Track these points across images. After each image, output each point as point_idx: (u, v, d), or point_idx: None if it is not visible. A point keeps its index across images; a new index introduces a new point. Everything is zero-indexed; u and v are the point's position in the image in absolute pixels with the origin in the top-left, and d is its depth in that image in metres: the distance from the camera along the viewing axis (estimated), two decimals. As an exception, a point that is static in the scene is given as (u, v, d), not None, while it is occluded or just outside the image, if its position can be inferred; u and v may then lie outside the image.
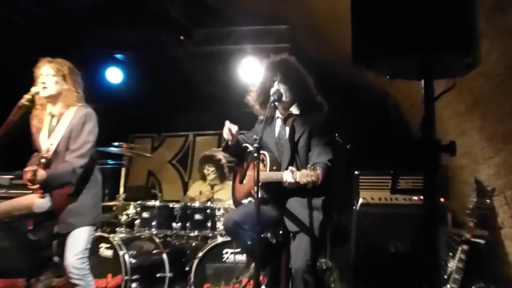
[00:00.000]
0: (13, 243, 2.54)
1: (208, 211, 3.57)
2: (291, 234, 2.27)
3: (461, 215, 2.98)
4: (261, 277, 2.47)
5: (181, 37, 4.47)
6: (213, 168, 4.21)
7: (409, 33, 1.27)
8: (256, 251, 2.09)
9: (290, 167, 2.12)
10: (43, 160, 2.22)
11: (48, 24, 3.96)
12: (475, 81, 2.58)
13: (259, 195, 1.99)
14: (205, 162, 4.27)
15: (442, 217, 3.14)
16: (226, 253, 3.15)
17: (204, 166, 4.26)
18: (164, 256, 3.41)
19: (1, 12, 3.62)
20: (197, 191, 4.27)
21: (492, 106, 2.62)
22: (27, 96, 2.32)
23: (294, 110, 2.42)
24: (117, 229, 3.57)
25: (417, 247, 2.97)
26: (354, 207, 3.27)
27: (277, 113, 2.47)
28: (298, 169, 2.22)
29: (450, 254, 2.65)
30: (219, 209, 3.57)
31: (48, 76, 2.36)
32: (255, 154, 2.04)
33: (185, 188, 5.62)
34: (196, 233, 3.55)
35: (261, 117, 2.58)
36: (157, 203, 3.64)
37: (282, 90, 2.35)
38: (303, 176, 2.01)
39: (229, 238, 3.06)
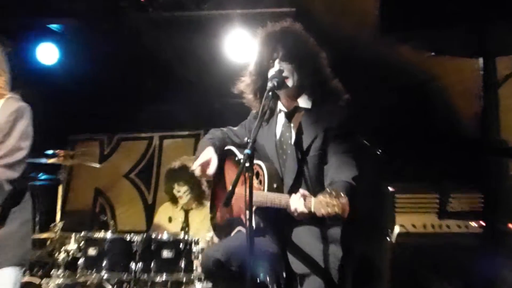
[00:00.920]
0: None
1: (180, 245, 3.57)
2: (298, 277, 2.28)
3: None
4: None
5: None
6: (185, 188, 4.21)
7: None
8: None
9: (301, 191, 2.13)
10: None
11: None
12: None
13: (253, 223, 2.03)
14: (174, 178, 4.27)
15: (509, 248, 3.16)
16: (208, 306, 3.18)
17: (173, 185, 4.26)
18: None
19: None
20: (166, 217, 4.27)
21: None
22: None
23: (303, 102, 2.44)
24: (52, 272, 3.55)
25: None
26: (387, 238, 3.28)
27: (279, 106, 2.50)
28: (308, 188, 2.21)
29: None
30: (196, 243, 3.57)
31: None
32: (247, 164, 2.03)
33: (149, 214, 5.61)
34: (164, 277, 3.53)
35: (254, 111, 2.60)
36: (108, 234, 3.63)
37: (285, 72, 2.37)
38: (321, 205, 2.02)
39: (210, 285, 3.07)
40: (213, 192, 2.74)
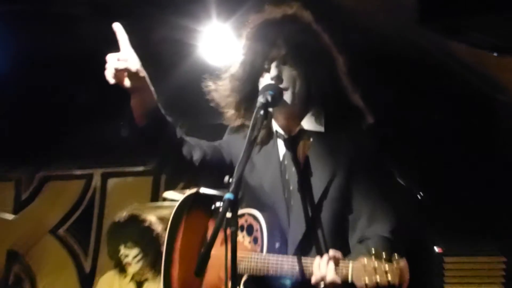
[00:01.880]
0: None
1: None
2: None
3: None
4: None
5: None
6: (136, 250, 4.25)
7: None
8: None
9: (331, 252, 2.13)
10: None
11: None
12: None
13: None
14: (121, 237, 4.32)
15: None
16: None
17: (119, 246, 4.30)
18: None
19: None
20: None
21: None
22: None
23: (311, 123, 2.46)
24: None
25: None
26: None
27: (275, 128, 2.52)
28: (325, 247, 2.20)
29: None
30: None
31: None
32: (229, 215, 1.96)
33: (86, 287, 5.59)
34: None
35: (236, 124, 2.58)
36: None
37: (285, 81, 2.37)
38: (366, 272, 2.01)
39: None
40: (168, 255, 2.69)
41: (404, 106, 3.75)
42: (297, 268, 2.19)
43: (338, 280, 2.08)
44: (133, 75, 2.16)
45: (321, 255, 2.17)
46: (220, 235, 1.98)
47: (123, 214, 4.42)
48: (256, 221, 2.38)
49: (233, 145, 2.57)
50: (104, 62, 2.15)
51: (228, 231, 1.95)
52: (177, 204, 2.76)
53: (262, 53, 2.42)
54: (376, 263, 2.00)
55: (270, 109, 2.34)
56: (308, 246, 2.30)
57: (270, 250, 2.31)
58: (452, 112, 4.35)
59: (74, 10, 4.60)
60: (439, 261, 3.45)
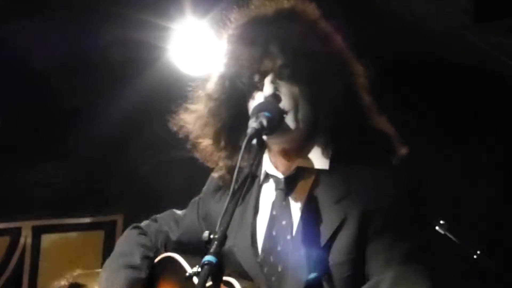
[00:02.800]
0: None
1: None
2: None
3: None
4: None
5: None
6: None
7: None
8: None
9: None
10: None
11: None
12: None
13: None
14: None
15: None
16: None
17: None
18: None
19: None
20: None
21: None
22: None
23: (316, 158, 2.48)
24: None
25: None
26: None
27: (264, 166, 2.56)
28: None
29: None
30: None
31: None
32: (208, 284, 2.01)
33: None
34: None
35: (218, 175, 2.62)
36: None
37: (285, 101, 2.39)
38: None
39: None
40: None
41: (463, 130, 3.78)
42: None
43: None
44: None
45: None
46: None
47: (61, 283, 4.44)
48: None
49: (211, 202, 2.67)
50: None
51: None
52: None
53: (250, 64, 2.41)
54: None
55: (265, 137, 2.33)
56: None
57: None
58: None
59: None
60: None
